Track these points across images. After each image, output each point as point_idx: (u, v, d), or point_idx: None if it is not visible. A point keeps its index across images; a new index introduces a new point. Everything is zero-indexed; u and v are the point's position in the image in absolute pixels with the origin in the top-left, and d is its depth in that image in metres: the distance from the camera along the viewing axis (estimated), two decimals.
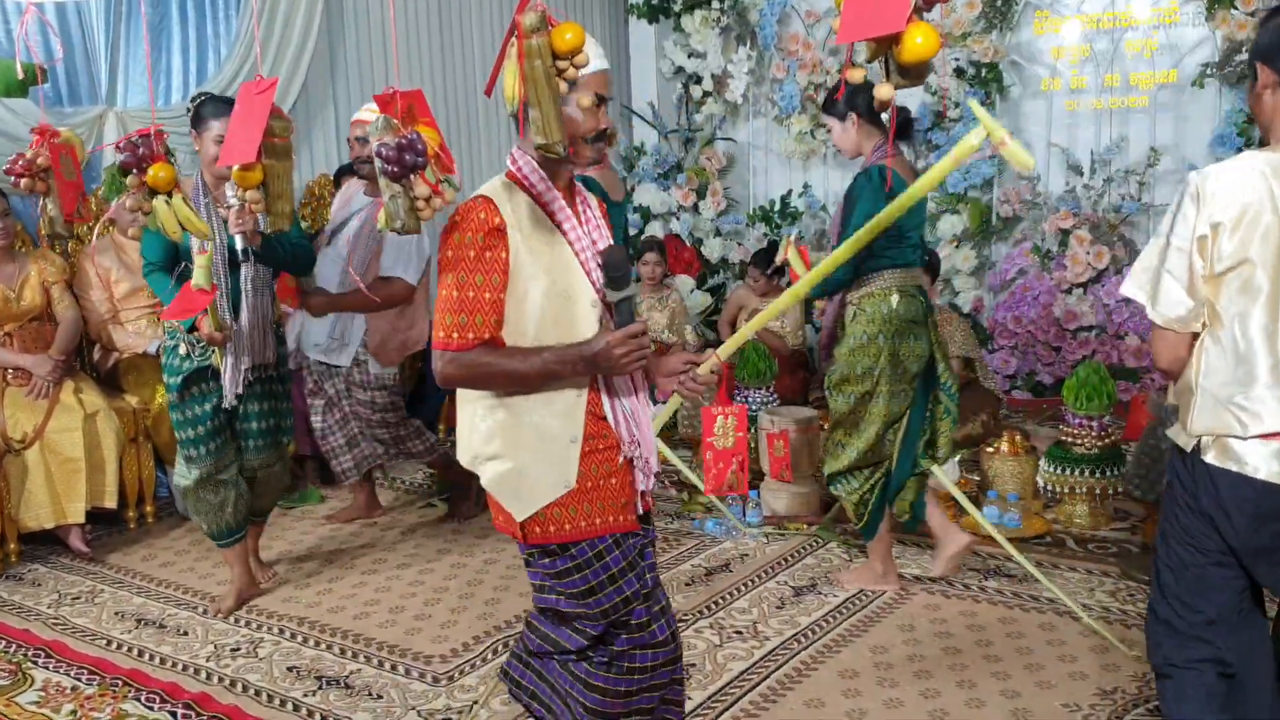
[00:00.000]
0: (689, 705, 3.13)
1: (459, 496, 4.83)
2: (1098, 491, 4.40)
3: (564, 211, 2.28)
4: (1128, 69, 6.27)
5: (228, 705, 3.24)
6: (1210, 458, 2.22)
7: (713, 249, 7.55)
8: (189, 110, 3.82)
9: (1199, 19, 6.01)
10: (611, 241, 2.35)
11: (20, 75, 3.59)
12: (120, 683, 3.41)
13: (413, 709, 3.20)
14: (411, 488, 5.36)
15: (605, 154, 2.32)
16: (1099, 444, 4.41)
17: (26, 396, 4.49)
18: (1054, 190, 6.55)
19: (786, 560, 4.22)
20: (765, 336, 5.98)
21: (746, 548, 4.36)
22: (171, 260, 3.73)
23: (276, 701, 3.27)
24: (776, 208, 7.49)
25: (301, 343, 4.64)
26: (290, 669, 3.48)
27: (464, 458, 2.32)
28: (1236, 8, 5.74)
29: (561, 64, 2.19)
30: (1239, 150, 5.75)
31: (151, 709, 3.24)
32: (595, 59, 2.20)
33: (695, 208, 7.71)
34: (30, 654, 3.64)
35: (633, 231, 7.59)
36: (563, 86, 2.15)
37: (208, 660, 3.55)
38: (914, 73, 2.45)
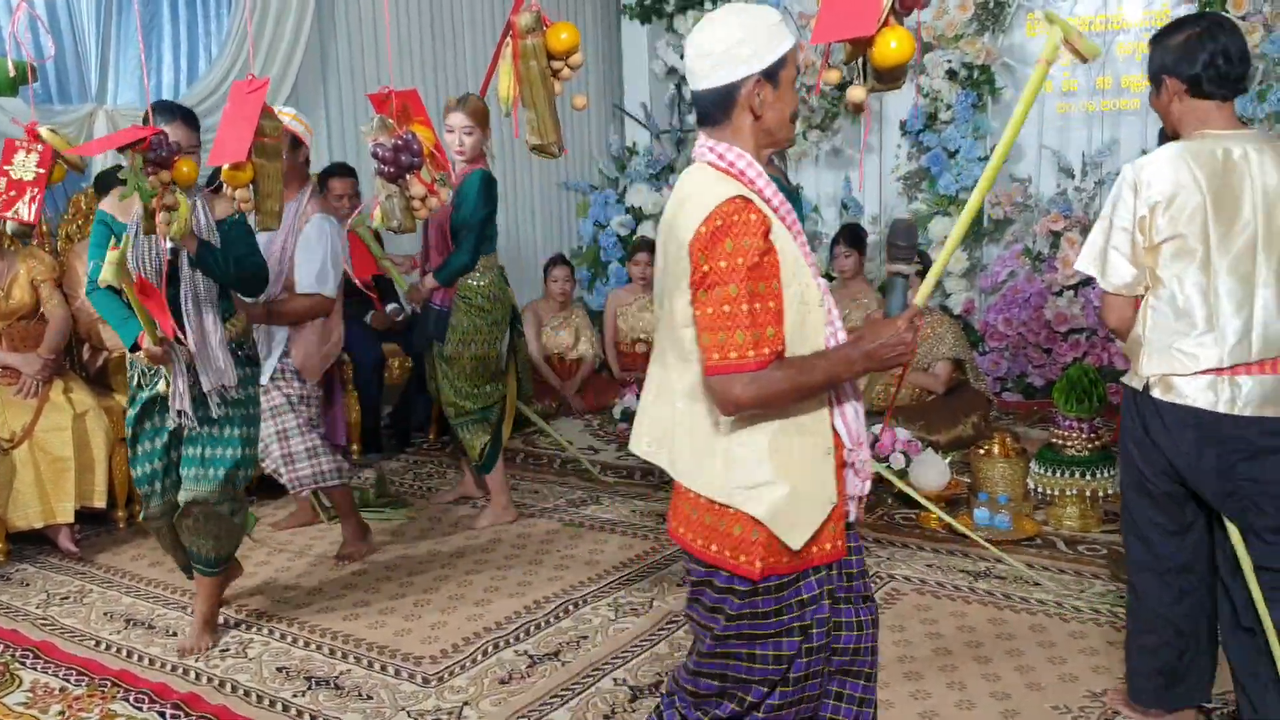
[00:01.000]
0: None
1: (354, 535, 4.43)
2: (1088, 494, 4.41)
3: (785, 207, 2.06)
4: (1119, 72, 6.29)
5: (216, 706, 3.23)
6: (1157, 393, 2.68)
7: None
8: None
9: None
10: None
11: (11, 73, 3.58)
12: (109, 683, 3.39)
13: (402, 709, 3.19)
14: (401, 487, 5.35)
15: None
16: (1089, 446, 4.42)
17: (15, 395, 4.47)
18: (1045, 193, 6.57)
19: None
20: None
21: None
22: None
23: (266, 702, 3.26)
24: None
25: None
26: (280, 669, 3.47)
27: (717, 493, 2.03)
28: (1227, 11, 5.76)
29: (556, 64, 2.19)
30: None
31: (140, 709, 3.23)
32: (792, 31, 2.03)
33: None
34: (18, 654, 3.62)
35: (624, 232, 7.59)
36: (557, 87, 2.14)
37: (196, 660, 3.54)
38: (889, 76, 2.46)
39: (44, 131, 3.75)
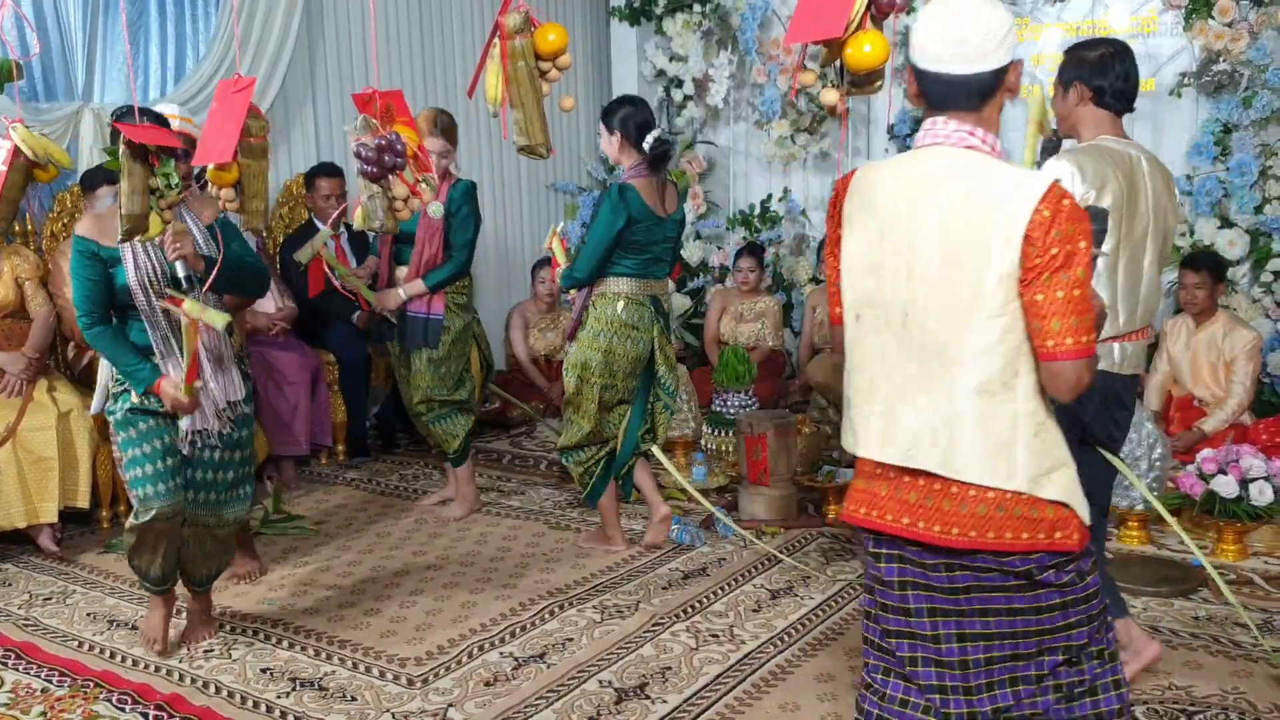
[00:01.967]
0: (662, 709, 3.13)
1: (246, 555, 4.23)
2: None
3: None
4: None
5: (200, 707, 3.22)
6: None
7: (693, 252, 7.55)
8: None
9: (1177, 29, 6.05)
10: None
11: None
12: (91, 684, 3.37)
13: (387, 711, 3.18)
14: (387, 489, 5.34)
15: None
16: None
17: None
18: None
19: (763, 564, 4.22)
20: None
21: (724, 551, 4.36)
22: (106, 303, 3.31)
23: (250, 703, 3.25)
24: (756, 212, 7.51)
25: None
26: (264, 670, 3.46)
27: (1022, 483, 1.99)
28: (1214, 18, 5.78)
29: (544, 65, 2.18)
30: (1214, 160, 5.84)
31: (123, 710, 3.21)
32: None
33: None
34: (0, 655, 3.60)
35: None
36: (545, 88, 2.14)
37: (180, 661, 3.52)
38: (865, 80, 2.46)
39: (16, 131, 3.73)
